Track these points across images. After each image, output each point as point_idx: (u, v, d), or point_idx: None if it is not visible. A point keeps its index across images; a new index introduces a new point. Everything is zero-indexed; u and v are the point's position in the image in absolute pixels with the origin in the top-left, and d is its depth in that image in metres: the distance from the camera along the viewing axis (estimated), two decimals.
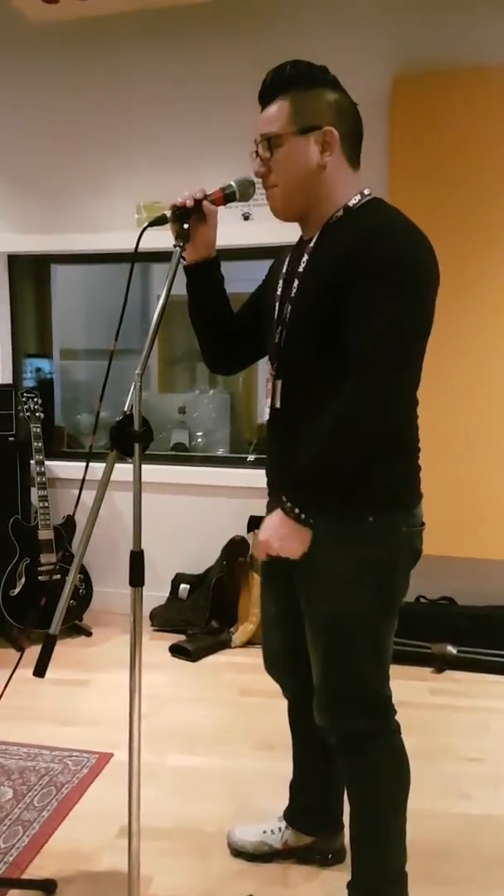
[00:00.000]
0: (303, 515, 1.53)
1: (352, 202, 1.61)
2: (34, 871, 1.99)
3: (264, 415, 1.71)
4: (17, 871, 1.98)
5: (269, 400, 1.68)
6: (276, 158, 1.60)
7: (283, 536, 1.55)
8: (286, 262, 1.73)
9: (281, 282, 1.70)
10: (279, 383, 1.67)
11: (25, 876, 1.97)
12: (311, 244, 1.63)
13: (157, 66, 3.79)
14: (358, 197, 1.62)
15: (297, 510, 1.53)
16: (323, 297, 1.55)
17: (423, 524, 1.68)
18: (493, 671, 3.32)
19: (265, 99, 1.62)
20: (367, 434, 1.51)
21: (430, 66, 3.39)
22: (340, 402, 1.49)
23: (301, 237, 1.72)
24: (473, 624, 3.45)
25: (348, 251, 1.52)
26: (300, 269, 1.63)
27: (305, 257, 1.63)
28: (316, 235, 1.63)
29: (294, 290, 1.64)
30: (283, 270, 1.72)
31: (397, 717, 1.73)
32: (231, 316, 1.87)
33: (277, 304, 1.69)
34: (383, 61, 3.44)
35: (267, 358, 1.77)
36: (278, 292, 1.70)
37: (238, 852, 2.07)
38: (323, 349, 1.57)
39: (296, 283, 1.64)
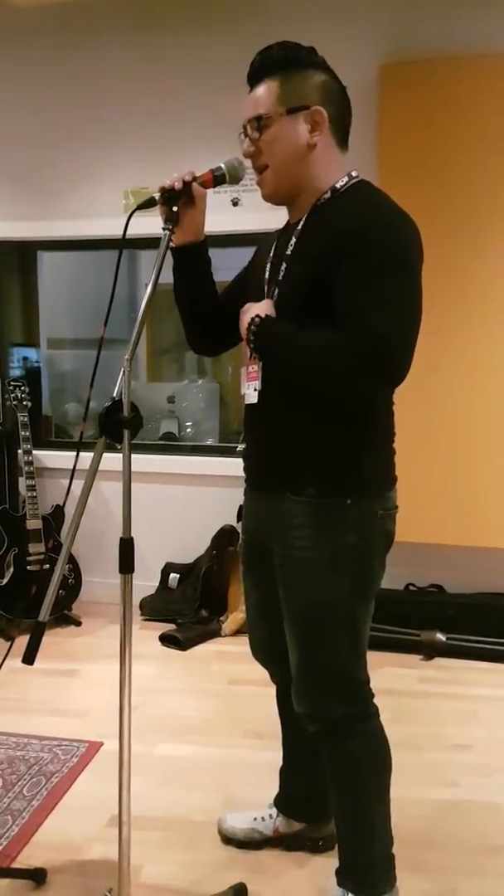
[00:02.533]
0: (251, 335, 1.57)
1: (339, 184, 1.60)
2: (24, 861, 1.98)
3: (249, 398, 1.68)
4: (7, 860, 1.97)
5: (252, 382, 1.66)
6: (265, 139, 1.59)
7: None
8: (273, 245, 1.71)
9: (269, 264, 1.69)
10: (262, 365, 1.65)
11: (15, 865, 1.96)
12: (299, 227, 1.62)
13: (144, 51, 3.75)
14: (345, 178, 1.61)
15: (256, 322, 1.57)
16: (310, 280, 1.55)
17: (396, 508, 1.68)
18: (482, 658, 3.33)
19: (253, 80, 1.61)
20: (326, 377, 1.51)
21: (418, 54, 3.37)
22: (337, 342, 1.47)
23: (288, 220, 1.71)
24: (462, 611, 3.46)
25: (335, 234, 1.51)
26: (288, 252, 1.63)
27: (293, 240, 1.63)
28: (304, 218, 1.62)
29: (282, 273, 1.63)
30: (271, 253, 1.70)
31: (386, 704, 1.74)
32: (216, 298, 1.86)
33: (265, 287, 1.68)
34: (370, 50, 3.42)
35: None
36: (266, 275, 1.69)
37: (228, 839, 2.07)
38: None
39: (283, 265, 1.63)
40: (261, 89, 1.59)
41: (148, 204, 1.62)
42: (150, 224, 1.74)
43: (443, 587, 3.64)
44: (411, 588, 3.64)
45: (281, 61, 1.57)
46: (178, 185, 1.63)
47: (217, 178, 1.67)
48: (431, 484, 3.33)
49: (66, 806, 2.25)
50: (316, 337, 1.51)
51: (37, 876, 1.90)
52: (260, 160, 1.61)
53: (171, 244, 1.67)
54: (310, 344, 1.52)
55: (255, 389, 1.65)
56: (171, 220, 1.61)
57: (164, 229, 1.60)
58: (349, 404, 1.57)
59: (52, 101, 3.89)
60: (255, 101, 1.59)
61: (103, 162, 3.87)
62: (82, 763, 2.46)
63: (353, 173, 1.63)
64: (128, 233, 1.61)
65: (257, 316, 1.57)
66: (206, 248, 1.80)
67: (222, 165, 1.67)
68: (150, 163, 3.76)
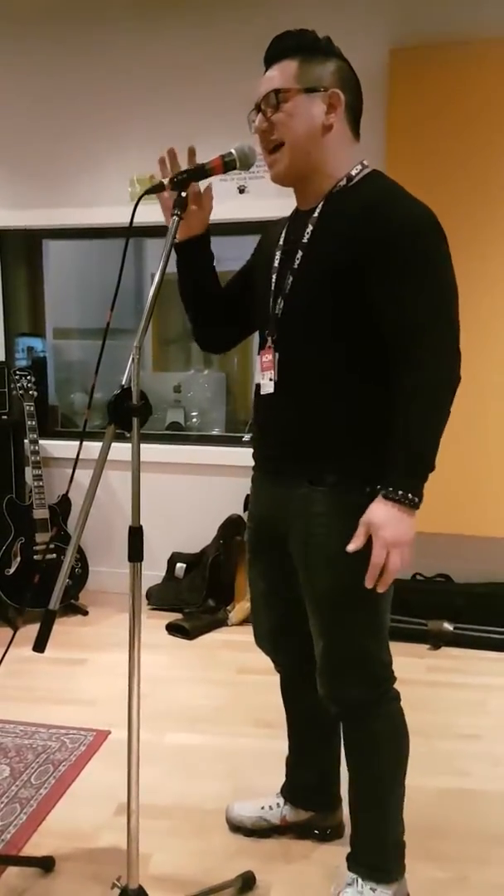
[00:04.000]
0: (415, 498, 1.52)
1: (353, 171, 1.59)
2: (32, 849, 1.98)
3: (264, 388, 1.67)
4: (15, 848, 1.98)
5: (267, 372, 1.65)
6: (281, 115, 1.56)
7: (403, 529, 1.52)
8: (283, 233, 1.69)
9: (279, 253, 1.67)
10: (277, 355, 1.64)
11: (23, 853, 1.97)
12: (316, 214, 1.60)
13: (150, 38, 3.72)
14: (359, 167, 1.61)
15: (409, 495, 1.52)
16: (332, 268, 1.53)
17: None
18: (490, 648, 3.33)
19: (270, 60, 1.59)
20: (445, 413, 1.55)
21: (429, 38, 3.33)
22: (419, 392, 1.51)
23: (297, 208, 1.69)
24: (470, 601, 3.46)
25: (363, 224, 1.51)
26: (304, 240, 1.61)
27: (310, 227, 1.60)
28: (320, 205, 1.60)
29: (298, 261, 1.61)
30: (281, 241, 1.68)
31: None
32: (221, 293, 1.85)
33: (275, 276, 1.66)
34: (381, 34, 3.38)
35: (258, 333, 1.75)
36: (276, 264, 1.67)
37: (237, 828, 2.07)
38: (331, 321, 1.55)
39: (299, 253, 1.61)
40: (278, 68, 1.57)
41: (156, 189, 1.60)
42: (157, 212, 1.72)
43: (450, 577, 3.63)
44: (418, 578, 3.63)
45: (299, 45, 1.57)
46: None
47: (227, 164, 1.64)
48: (439, 473, 3.31)
49: (74, 794, 2.25)
50: (409, 411, 1.53)
51: (45, 864, 1.90)
52: (273, 137, 1.59)
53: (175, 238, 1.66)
54: (425, 424, 1.54)
55: (270, 379, 1.64)
56: (180, 206, 1.59)
57: (173, 215, 1.58)
58: (367, 393, 1.57)
59: (57, 89, 3.87)
60: (272, 78, 1.58)
61: (109, 149, 3.85)
62: (90, 751, 2.47)
63: (365, 162, 1.62)
64: (135, 221, 1.59)
65: (402, 493, 1.52)
66: (209, 241, 1.79)
67: (233, 151, 1.64)
68: (157, 150, 3.64)
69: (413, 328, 1.50)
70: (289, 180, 1.64)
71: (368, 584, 1.52)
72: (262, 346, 1.69)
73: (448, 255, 1.53)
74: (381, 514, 1.52)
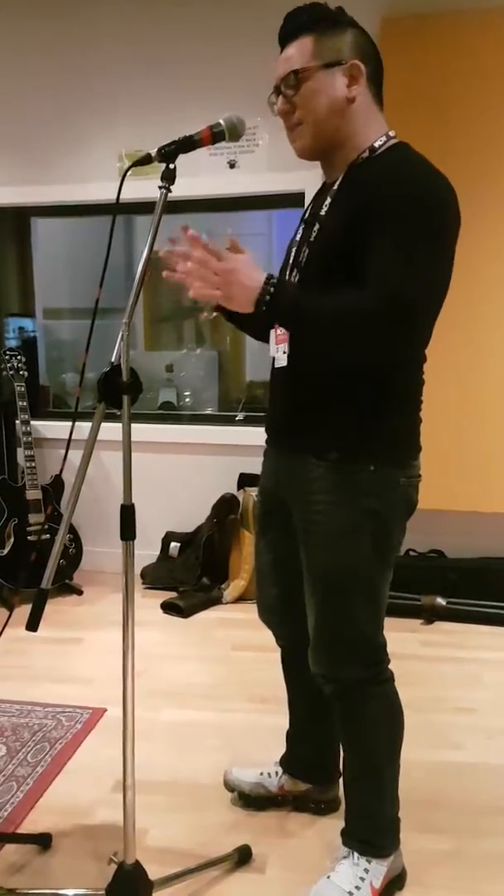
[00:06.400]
0: (266, 298, 1.45)
1: (377, 143, 1.57)
2: (29, 826, 2.00)
3: (278, 361, 1.65)
4: (13, 826, 1.99)
5: (281, 345, 1.63)
6: (302, 94, 1.55)
7: (243, 289, 1.46)
8: (310, 207, 1.69)
9: (302, 225, 1.67)
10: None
11: (20, 831, 1.98)
12: (336, 186, 1.59)
13: (138, 12, 3.66)
14: (384, 138, 1.58)
15: (268, 299, 1.45)
16: (342, 241, 1.51)
17: (419, 476, 1.68)
18: (483, 622, 3.35)
19: (284, 41, 1.57)
20: (346, 334, 1.46)
21: (421, 8, 3.29)
22: (358, 306, 1.43)
23: (325, 181, 1.68)
24: (463, 576, 3.48)
25: (369, 194, 1.48)
26: (322, 213, 1.59)
27: (328, 200, 1.59)
28: (340, 177, 1.59)
29: (314, 234, 1.60)
30: (305, 215, 1.68)
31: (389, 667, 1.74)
32: None
33: (295, 249, 1.66)
34: (372, 3, 3.33)
35: None
36: (297, 237, 1.67)
37: (233, 790, 2.09)
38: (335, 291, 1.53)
39: (317, 226, 1.60)
40: (293, 48, 1.55)
41: (143, 161, 1.58)
42: (146, 188, 1.71)
43: (443, 552, 3.65)
44: (412, 553, 3.64)
45: (312, 21, 1.54)
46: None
47: (216, 135, 1.62)
48: (432, 449, 3.30)
49: (70, 771, 2.26)
50: (331, 303, 1.47)
51: (42, 840, 1.91)
52: (295, 117, 1.57)
53: (183, 233, 1.62)
54: (325, 310, 1.47)
55: (284, 352, 1.62)
56: (168, 179, 1.57)
57: (160, 188, 1.56)
58: (377, 370, 1.55)
59: (45, 63, 3.81)
60: (289, 59, 1.55)
61: (98, 125, 3.80)
62: (86, 729, 2.48)
63: (391, 133, 1.59)
64: (124, 197, 1.57)
65: (271, 277, 1.47)
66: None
67: (221, 122, 1.62)
68: (147, 125, 3.70)
69: (380, 271, 1.43)
70: (315, 155, 1.62)
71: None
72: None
73: (444, 232, 1.48)
74: (252, 271, 1.46)
